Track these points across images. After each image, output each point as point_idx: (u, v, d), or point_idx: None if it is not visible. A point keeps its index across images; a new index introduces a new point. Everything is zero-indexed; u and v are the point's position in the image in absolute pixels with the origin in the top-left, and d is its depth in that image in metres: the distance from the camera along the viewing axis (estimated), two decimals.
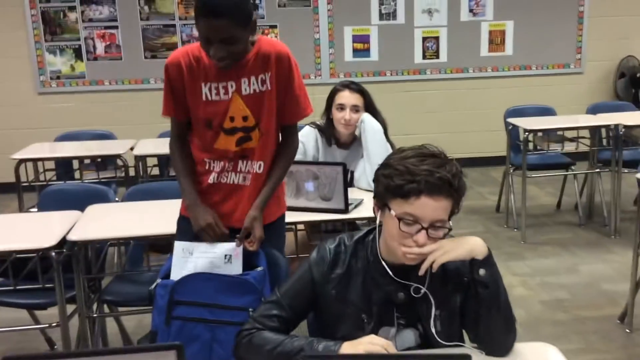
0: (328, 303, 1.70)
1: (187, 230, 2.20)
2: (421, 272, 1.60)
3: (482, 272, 1.62)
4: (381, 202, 1.64)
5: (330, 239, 1.77)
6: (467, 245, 1.63)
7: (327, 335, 1.66)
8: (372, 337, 1.56)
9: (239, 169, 2.20)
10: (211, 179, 2.21)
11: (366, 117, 3.13)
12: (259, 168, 2.21)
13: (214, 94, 2.13)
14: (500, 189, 5.32)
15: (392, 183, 1.58)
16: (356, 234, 1.76)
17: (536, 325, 3.44)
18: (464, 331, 1.73)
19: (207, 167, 2.22)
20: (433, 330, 1.64)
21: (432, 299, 1.65)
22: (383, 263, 1.66)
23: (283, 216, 2.37)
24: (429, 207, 1.55)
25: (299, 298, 1.71)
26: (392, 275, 1.64)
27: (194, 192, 2.19)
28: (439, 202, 1.55)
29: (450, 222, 1.62)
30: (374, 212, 1.68)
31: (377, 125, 3.14)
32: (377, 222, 1.68)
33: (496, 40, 6.54)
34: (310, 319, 1.83)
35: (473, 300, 1.66)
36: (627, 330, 3.35)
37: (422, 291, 1.64)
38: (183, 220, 2.28)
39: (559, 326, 3.41)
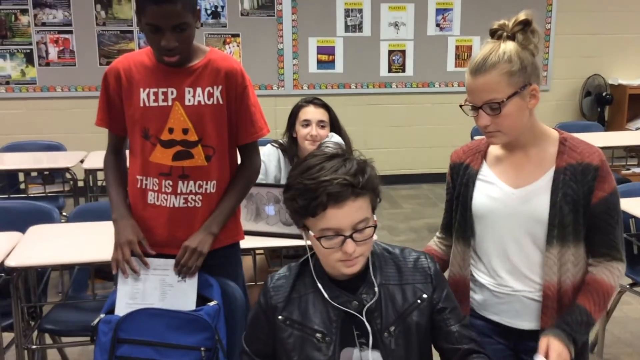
0: (281, 330, 1.57)
1: None
2: None
3: None
4: (300, 226, 1.55)
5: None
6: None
7: None
8: None
9: (179, 191, 2.01)
10: (150, 198, 2.03)
11: (330, 138, 2.97)
12: (213, 188, 2.04)
13: (152, 100, 1.98)
14: None
15: (297, 205, 1.49)
16: (303, 258, 1.65)
17: None
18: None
19: (138, 185, 2.04)
20: (382, 346, 1.51)
21: (382, 311, 1.53)
22: (318, 285, 1.57)
23: (238, 244, 2.19)
24: (341, 215, 1.45)
25: (260, 339, 1.61)
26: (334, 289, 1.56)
27: (123, 205, 2.05)
28: (350, 206, 1.45)
29: (375, 215, 1.55)
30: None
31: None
32: (306, 243, 1.58)
33: (463, 55, 6.48)
34: None
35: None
36: None
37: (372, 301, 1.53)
38: None
39: None
